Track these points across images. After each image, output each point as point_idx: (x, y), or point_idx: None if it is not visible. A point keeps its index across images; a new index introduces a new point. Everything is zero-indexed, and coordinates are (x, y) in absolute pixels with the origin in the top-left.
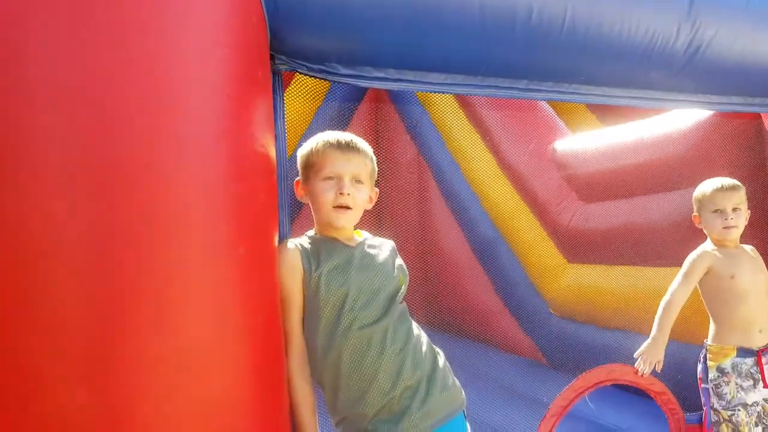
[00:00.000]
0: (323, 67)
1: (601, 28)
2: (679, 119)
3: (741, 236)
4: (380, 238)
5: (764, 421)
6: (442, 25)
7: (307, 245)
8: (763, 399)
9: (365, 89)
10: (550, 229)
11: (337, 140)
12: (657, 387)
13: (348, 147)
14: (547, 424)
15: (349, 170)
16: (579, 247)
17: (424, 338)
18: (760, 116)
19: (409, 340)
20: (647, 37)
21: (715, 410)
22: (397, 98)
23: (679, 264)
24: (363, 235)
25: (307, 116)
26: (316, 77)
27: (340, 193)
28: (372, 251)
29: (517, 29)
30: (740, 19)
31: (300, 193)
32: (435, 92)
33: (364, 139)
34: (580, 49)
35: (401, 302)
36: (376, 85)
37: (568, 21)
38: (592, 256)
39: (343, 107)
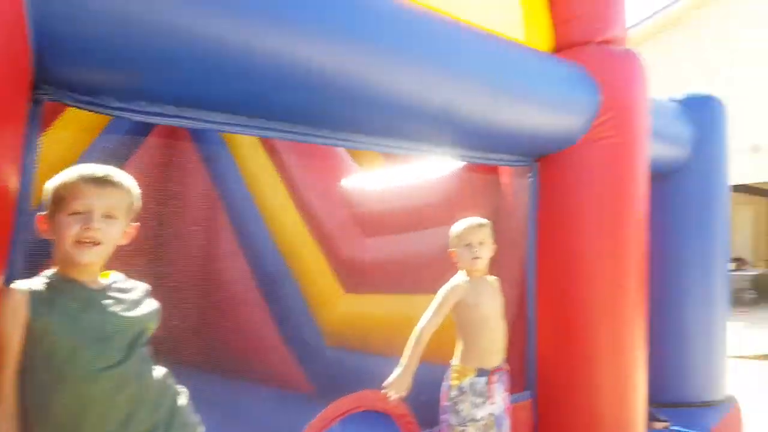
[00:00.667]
0: (92, 99)
1: (373, 88)
2: (441, 168)
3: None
4: (133, 281)
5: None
6: (221, 68)
7: (39, 287)
8: (489, 414)
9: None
10: (332, 261)
11: (93, 173)
12: (399, 410)
13: (103, 181)
14: None
15: (101, 204)
16: (357, 276)
17: (166, 379)
18: (497, 169)
19: (146, 384)
20: (410, 99)
21: (451, 426)
22: (193, 130)
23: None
24: (112, 277)
25: (80, 148)
26: (83, 109)
27: (87, 228)
28: (118, 295)
29: (296, 79)
30: (487, 92)
31: (43, 227)
32: (217, 131)
33: (152, 173)
34: (353, 102)
35: (143, 346)
36: (152, 120)
37: (343, 77)
38: (369, 285)
39: (125, 140)
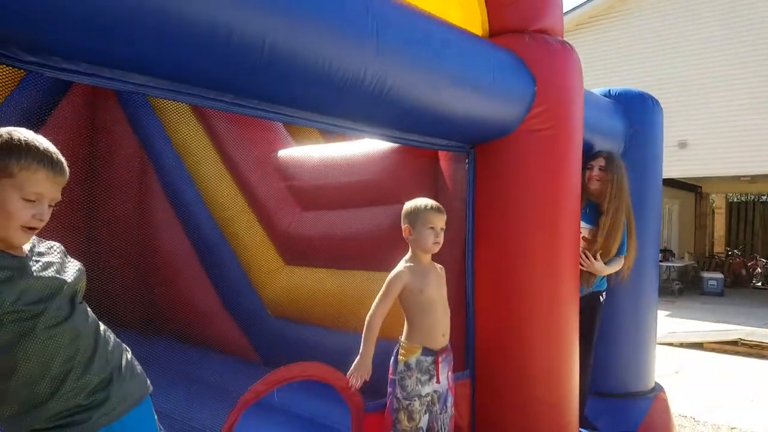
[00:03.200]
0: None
1: (298, 58)
2: (381, 147)
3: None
4: (47, 242)
5: (431, 409)
6: (138, 28)
7: None
8: (434, 391)
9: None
10: (270, 233)
11: (54, 159)
12: (343, 381)
13: (60, 170)
14: (234, 414)
15: (52, 194)
16: (296, 250)
17: (111, 335)
18: (437, 153)
19: (97, 337)
20: (339, 73)
21: (398, 399)
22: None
23: (381, 268)
24: (31, 241)
25: None
26: None
27: (39, 218)
28: (43, 258)
29: (217, 47)
30: (421, 72)
31: None
32: (137, 93)
33: (77, 134)
34: (280, 75)
35: (81, 303)
36: (65, 77)
37: (268, 47)
38: (308, 259)
39: (43, 98)
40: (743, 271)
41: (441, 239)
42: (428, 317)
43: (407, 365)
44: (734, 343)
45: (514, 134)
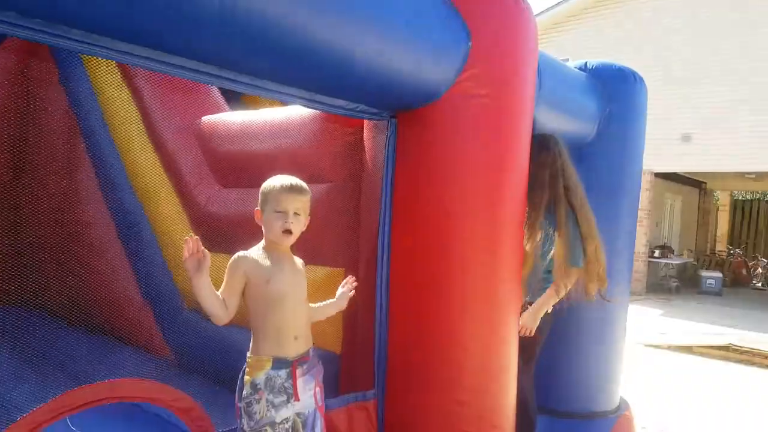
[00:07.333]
0: None
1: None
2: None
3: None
4: None
5: None
6: None
7: None
8: (296, 414)
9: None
10: (187, 211)
11: None
12: (183, 403)
13: None
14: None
15: None
16: (214, 233)
17: None
18: (363, 124)
19: None
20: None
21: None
22: (53, 49)
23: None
24: None
25: None
26: None
27: None
28: None
29: None
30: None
31: None
32: (71, 50)
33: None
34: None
35: None
36: None
37: None
38: (222, 244)
39: None
40: (743, 271)
41: (295, 228)
42: (276, 315)
43: (254, 386)
44: (725, 348)
45: (442, 100)
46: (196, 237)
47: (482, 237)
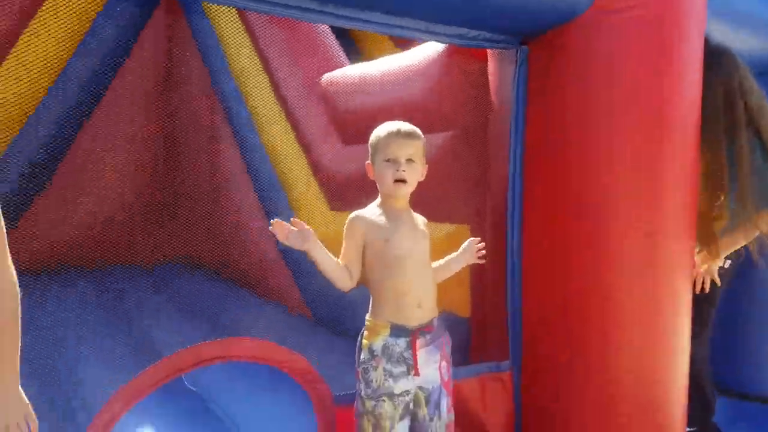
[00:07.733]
0: None
1: None
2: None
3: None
4: None
5: (415, 413)
6: None
7: None
8: (418, 388)
9: None
10: (316, 173)
11: None
12: (299, 365)
13: None
14: (114, 410)
15: None
16: (340, 193)
17: None
18: (486, 54)
19: None
20: None
21: (361, 399)
22: (189, 10)
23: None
24: None
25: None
26: None
27: None
28: None
29: None
30: None
31: None
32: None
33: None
34: None
35: None
36: None
37: None
38: (349, 203)
39: (134, 12)
40: None
41: (409, 176)
42: (395, 279)
43: (371, 351)
44: None
45: (583, 18)
46: (279, 221)
47: (641, 189)
